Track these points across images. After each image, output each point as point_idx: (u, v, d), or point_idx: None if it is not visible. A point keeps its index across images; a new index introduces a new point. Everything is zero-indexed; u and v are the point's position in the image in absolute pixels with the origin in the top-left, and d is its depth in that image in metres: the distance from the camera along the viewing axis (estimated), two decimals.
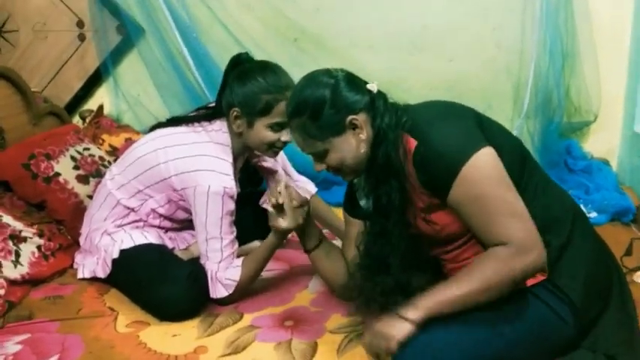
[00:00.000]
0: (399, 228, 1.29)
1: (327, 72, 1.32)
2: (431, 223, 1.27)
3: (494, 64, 2.46)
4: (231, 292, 1.60)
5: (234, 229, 1.62)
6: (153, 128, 1.77)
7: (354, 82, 1.31)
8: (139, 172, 1.68)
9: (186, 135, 1.67)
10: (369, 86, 1.31)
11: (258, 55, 2.51)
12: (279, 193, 1.47)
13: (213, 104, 1.74)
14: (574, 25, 2.32)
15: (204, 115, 1.72)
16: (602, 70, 2.38)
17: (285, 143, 1.64)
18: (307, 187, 1.92)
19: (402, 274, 1.32)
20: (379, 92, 1.31)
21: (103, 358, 1.42)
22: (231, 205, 1.59)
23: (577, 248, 1.24)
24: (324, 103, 1.27)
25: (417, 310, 1.15)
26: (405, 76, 2.49)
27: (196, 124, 1.69)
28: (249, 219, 1.77)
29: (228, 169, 1.61)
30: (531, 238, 1.16)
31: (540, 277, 1.21)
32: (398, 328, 1.15)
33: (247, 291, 1.66)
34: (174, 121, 1.74)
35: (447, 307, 1.16)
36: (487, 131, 1.24)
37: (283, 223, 1.50)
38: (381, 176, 1.26)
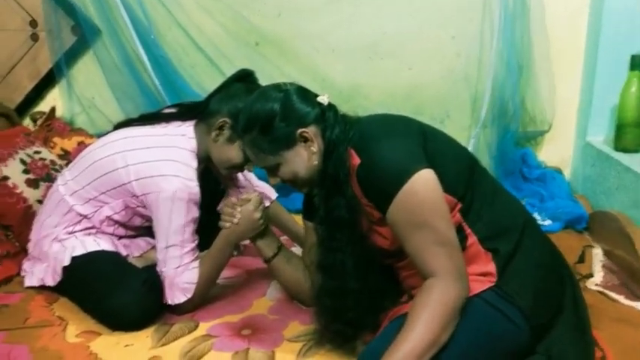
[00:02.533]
0: (350, 239, 1.30)
1: (277, 86, 1.33)
2: (382, 235, 1.29)
3: (453, 73, 2.49)
4: (189, 295, 1.56)
5: (197, 237, 1.58)
6: (118, 126, 1.72)
7: (305, 95, 1.32)
8: (94, 177, 1.62)
9: (148, 138, 1.61)
10: (319, 99, 1.32)
11: (218, 60, 2.52)
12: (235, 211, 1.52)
13: (188, 103, 1.71)
14: (530, 36, 2.36)
15: (179, 113, 1.67)
16: (556, 82, 2.43)
17: (242, 171, 1.67)
18: (267, 193, 1.90)
19: (356, 285, 1.32)
20: (329, 104, 1.33)
21: None
22: (195, 212, 1.56)
23: (526, 255, 1.26)
24: (274, 117, 1.28)
25: None
26: (365, 82, 2.50)
27: (163, 125, 1.64)
28: (213, 224, 1.73)
29: (193, 175, 1.57)
30: (458, 269, 1.19)
31: (488, 284, 1.23)
32: None
33: (205, 299, 1.62)
34: (141, 120, 1.69)
35: None
36: (431, 147, 1.25)
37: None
38: (332, 188, 1.27)
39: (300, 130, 1.29)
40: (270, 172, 1.36)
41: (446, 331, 1.16)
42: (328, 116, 1.31)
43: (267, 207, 1.82)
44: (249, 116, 1.32)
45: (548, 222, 2.13)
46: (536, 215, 2.14)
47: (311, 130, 1.30)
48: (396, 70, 2.50)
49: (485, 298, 1.22)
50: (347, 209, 1.28)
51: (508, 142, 2.41)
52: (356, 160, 1.25)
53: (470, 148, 2.42)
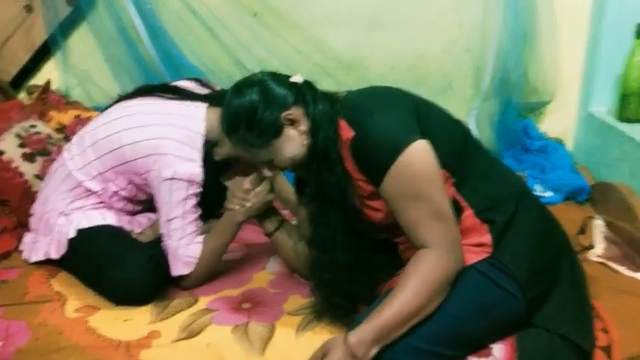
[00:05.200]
0: (341, 214, 1.29)
1: (249, 79, 1.32)
2: (375, 209, 1.28)
3: (455, 44, 2.44)
4: (190, 270, 1.55)
5: (199, 209, 1.58)
6: (139, 91, 1.71)
7: (279, 79, 1.31)
8: (101, 153, 1.60)
9: (160, 116, 1.60)
10: (293, 79, 1.31)
11: (217, 30, 2.47)
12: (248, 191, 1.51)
13: (206, 82, 1.71)
14: (535, 4, 2.31)
15: (203, 96, 1.66)
16: (560, 51, 2.39)
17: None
18: None
19: (347, 259, 1.32)
20: (306, 82, 1.31)
21: (49, 344, 1.36)
22: (196, 189, 1.55)
23: (522, 225, 1.26)
24: (255, 109, 1.27)
25: (364, 345, 1.15)
26: (366, 53, 2.45)
27: (178, 102, 1.63)
28: (220, 191, 1.71)
29: (197, 156, 1.56)
30: (452, 241, 1.18)
31: (483, 254, 1.23)
32: None
33: (210, 276, 1.61)
34: (161, 90, 1.68)
35: (392, 328, 1.16)
36: (424, 120, 1.24)
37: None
38: (322, 164, 1.26)
39: (284, 114, 1.27)
40: (268, 166, 1.35)
41: (432, 301, 1.17)
42: (307, 94, 1.30)
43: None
44: (231, 116, 1.30)
45: (549, 194, 2.11)
46: (537, 187, 2.13)
47: (295, 112, 1.28)
48: (397, 40, 2.45)
49: (479, 268, 1.22)
50: (338, 184, 1.27)
51: (510, 113, 2.38)
52: (349, 134, 1.23)
53: (471, 120, 2.40)
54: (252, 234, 1.86)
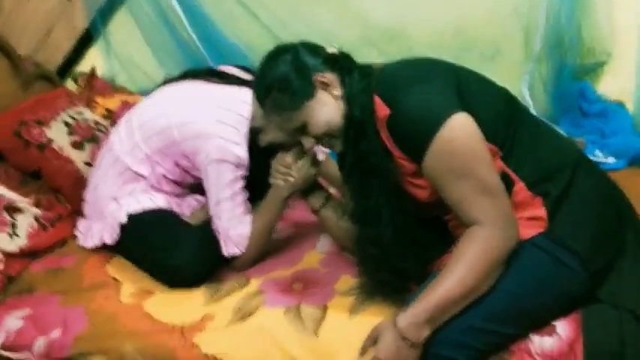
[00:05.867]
0: (383, 186, 1.25)
1: (283, 47, 1.29)
2: (419, 187, 1.23)
3: (501, 7, 2.33)
4: (242, 249, 1.55)
5: (246, 192, 1.57)
6: (185, 75, 1.71)
7: (313, 48, 1.28)
8: (148, 134, 1.61)
9: (202, 99, 1.60)
10: (329, 49, 1.28)
11: (256, 9, 2.42)
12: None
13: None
14: None
15: (243, 81, 1.64)
16: (615, 6, 2.25)
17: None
18: (320, 148, 1.85)
19: (393, 232, 1.28)
20: (342, 53, 1.28)
21: (106, 331, 1.39)
22: (243, 172, 1.55)
23: (579, 195, 1.20)
24: (288, 73, 1.24)
25: (416, 328, 1.12)
26: (410, 20, 2.36)
27: (225, 86, 1.62)
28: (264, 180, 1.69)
29: (243, 140, 1.55)
30: (505, 217, 1.13)
31: (539, 228, 1.18)
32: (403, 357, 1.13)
33: (262, 254, 1.61)
34: (209, 74, 1.68)
35: (443, 310, 1.13)
36: (467, 92, 1.18)
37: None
38: (359, 134, 1.23)
39: (317, 76, 1.24)
40: (302, 134, 1.31)
41: (485, 281, 1.13)
42: (343, 62, 1.27)
43: (321, 161, 1.78)
44: (264, 81, 1.28)
45: (611, 159, 2.02)
46: (598, 153, 2.04)
47: (328, 76, 1.25)
48: (440, 6, 2.35)
49: (535, 242, 1.17)
50: (376, 154, 1.22)
51: (565, 76, 2.26)
52: (385, 111, 1.19)
53: (524, 85, 2.29)
54: (302, 213, 1.83)
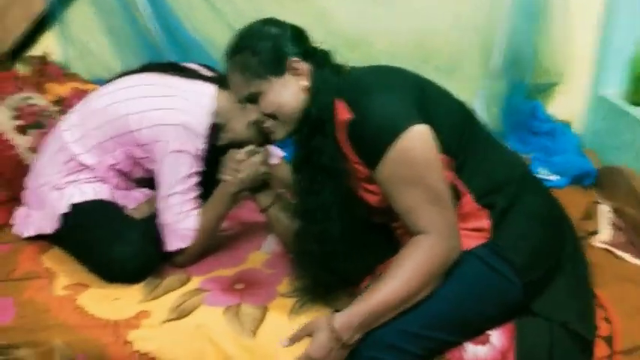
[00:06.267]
0: (333, 186, 1.26)
1: (276, 20, 1.31)
2: (371, 192, 1.24)
3: (462, 22, 2.37)
4: (188, 243, 1.52)
5: (199, 188, 1.55)
6: (145, 68, 1.68)
7: (301, 35, 1.31)
8: (102, 121, 1.57)
9: (169, 89, 1.57)
10: (314, 44, 1.30)
11: (217, 1, 2.40)
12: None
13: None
14: None
15: (212, 78, 1.62)
16: (571, 31, 2.31)
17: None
18: (275, 152, 1.86)
19: (338, 230, 1.28)
20: (323, 49, 1.31)
21: (35, 323, 1.33)
22: (199, 166, 1.52)
23: (523, 209, 1.23)
24: (268, 40, 1.25)
25: (350, 329, 1.13)
26: (371, 28, 2.38)
27: (188, 80, 1.60)
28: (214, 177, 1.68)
29: (203, 132, 1.53)
30: (449, 228, 1.15)
31: (481, 239, 1.20)
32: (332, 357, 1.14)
33: (204, 252, 1.58)
34: (171, 68, 1.65)
35: (380, 314, 1.14)
36: (427, 103, 1.20)
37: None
38: (314, 130, 1.24)
39: (292, 59, 1.26)
40: (251, 102, 1.31)
41: (424, 289, 1.14)
42: (320, 57, 1.29)
43: (275, 165, 1.77)
44: (244, 40, 1.29)
45: (554, 177, 2.06)
46: (542, 170, 2.08)
47: (302, 66, 1.26)
48: (402, 16, 2.38)
49: (476, 253, 1.19)
50: (329, 152, 1.23)
51: (519, 94, 2.31)
52: (346, 115, 1.19)
53: (478, 100, 2.33)
54: (250, 213, 1.82)
